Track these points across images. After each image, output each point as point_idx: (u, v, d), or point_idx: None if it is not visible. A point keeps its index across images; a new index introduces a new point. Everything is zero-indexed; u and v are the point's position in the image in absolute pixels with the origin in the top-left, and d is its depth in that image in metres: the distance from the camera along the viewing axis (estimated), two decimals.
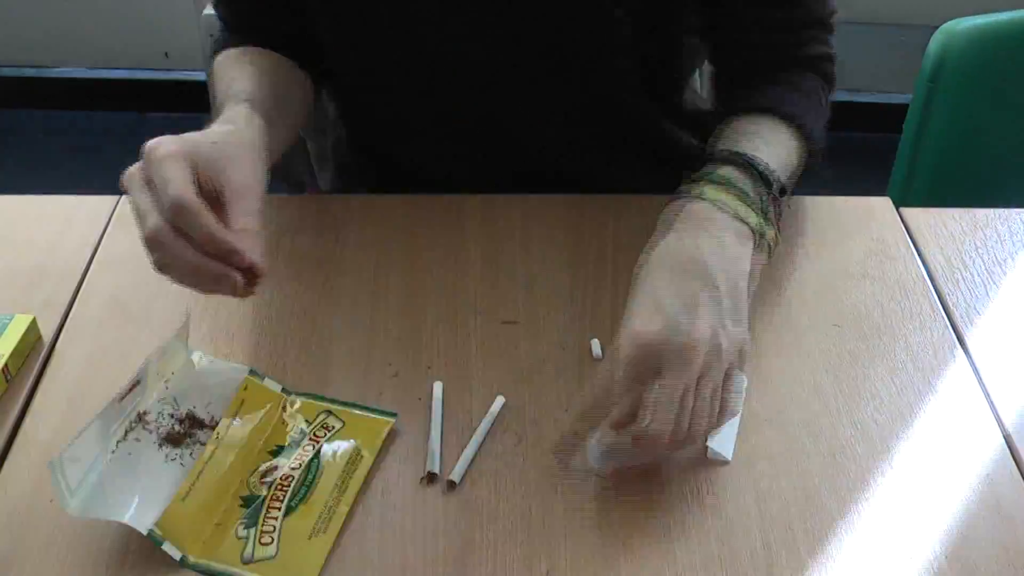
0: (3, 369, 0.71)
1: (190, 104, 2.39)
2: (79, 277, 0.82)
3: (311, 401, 0.70)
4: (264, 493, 0.64)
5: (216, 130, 0.69)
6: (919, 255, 0.85)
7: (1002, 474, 0.67)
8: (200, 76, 2.31)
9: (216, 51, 0.89)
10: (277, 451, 0.67)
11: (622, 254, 0.85)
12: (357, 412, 0.70)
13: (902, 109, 1.19)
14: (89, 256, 0.84)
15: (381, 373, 0.74)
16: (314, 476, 0.65)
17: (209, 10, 2.15)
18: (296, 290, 0.81)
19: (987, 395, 0.73)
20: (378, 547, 0.62)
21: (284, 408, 0.70)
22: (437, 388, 0.72)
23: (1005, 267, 0.84)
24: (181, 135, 0.64)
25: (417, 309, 0.79)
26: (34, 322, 0.75)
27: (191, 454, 0.65)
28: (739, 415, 0.70)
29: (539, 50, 0.86)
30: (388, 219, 0.88)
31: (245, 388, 0.68)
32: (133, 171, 0.64)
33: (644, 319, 0.62)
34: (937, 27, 1.13)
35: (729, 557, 0.62)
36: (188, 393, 0.68)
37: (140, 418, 0.65)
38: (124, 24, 2.37)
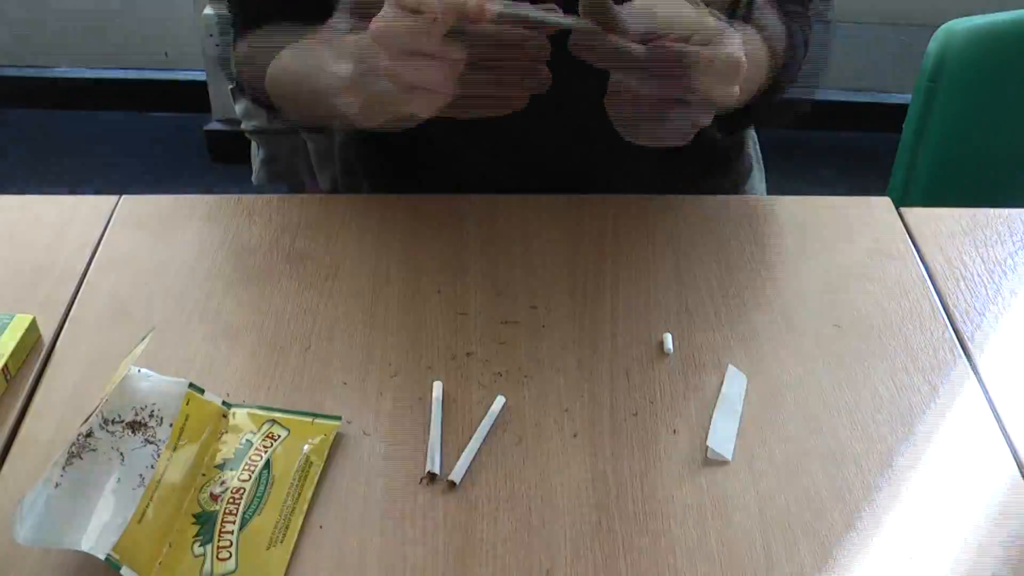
0: (3, 369, 0.71)
1: (190, 104, 2.39)
2: (79, 277, 0.82)
3: (254, 411, 0.69)
4: (217, 508, 0.63)
5: None
6: (919, 255, 0.85)
7: (1002, 474, 0.67)
8: (200, 76, 2.31)
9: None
10: (223, 465, 0.66)
11: (622, 254, 0.85)
12: (302, 419, 0.69)
13: (902, 109, 1.19)
14: (89, 256, 0.84)
15: (381, 373, 0.74)
16: (265, 487, 0.64)
17: (209, 10, 2.16)
18: (296, 290, 0.81)
19: (987, 395, 0.73)
20: (379, 548, 0.62)
21: (226, 420, 0.68)
22: (437, 388, 0.72)
23: (1005, 267, 0.84)
24: None
25: (417, 309, 0.79)
26: (34, 322, 0.75)
27: (150, 466, 0.63)
28: (739, 414, 0.70)
29: (565, 44, 0.86)
30: (388, 219, 0.88)
31: (188, 403, 0.66)
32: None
33: None
34: (937, 27, 1.13)
35: (729, 557, 0.62)
36: (128, 407, 0.66)
37: (86, 439, 0.63)
38: (124, 24, 2.37)
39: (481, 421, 0.70)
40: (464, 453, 0.67)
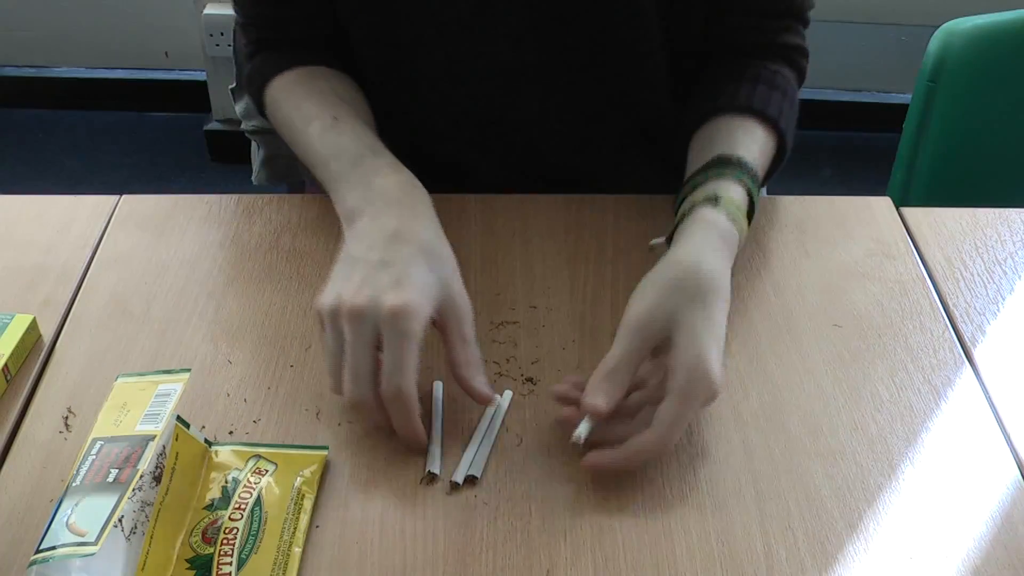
0: (3, 369, 0.71)
1: (190, 104, 2.39)
2: (79, 277, 0.82)
3: (237, 448, 0.67)
4: (211, 550, 0.61)
5: (426, 236, 0.72)
6: (919, 255, 0.85)
7: (1002, 473, 0.67)
8: (200, 76, 2.31)
9: (258, 76, 0.89)
10: (211, 505, 0.64)
11: (622, 254, 0.85)
12: (287, 451, 0.67)
13: (902, 109, 1.19)
14: (89, 256, 0.84)
15: None
16: (259, 523, 0.62)
17: (209, 10, 2.16)
18: (296, 290, 0.81)
19: (987, 394, 0.73)
20: (379, 548, 0.62)
21: (208, 460, 0.66)
22: (437, 388, 0.72)
23: (1005, 267, 0.85)
24: (417, 283, 0.67)
25: None
26: (34, 322, 0.75)
27: (142, 507, 0.60)
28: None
29: (568, 48, 0.86)
30: None
31: (176, 438, 0.64)
32: (356, 314, 0.66)
33: (709, 353, 0.65)
34: (937, 27, 1.14)
35: (729, 557, 0.62)
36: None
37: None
38: (124, 24, 2.37)
39: (480, 421, 0.70)
40: (464, 453, 0.67)
